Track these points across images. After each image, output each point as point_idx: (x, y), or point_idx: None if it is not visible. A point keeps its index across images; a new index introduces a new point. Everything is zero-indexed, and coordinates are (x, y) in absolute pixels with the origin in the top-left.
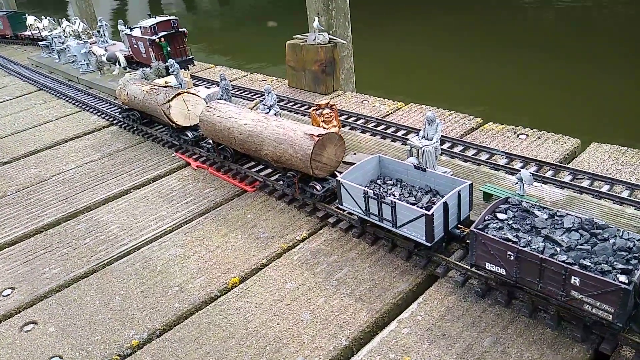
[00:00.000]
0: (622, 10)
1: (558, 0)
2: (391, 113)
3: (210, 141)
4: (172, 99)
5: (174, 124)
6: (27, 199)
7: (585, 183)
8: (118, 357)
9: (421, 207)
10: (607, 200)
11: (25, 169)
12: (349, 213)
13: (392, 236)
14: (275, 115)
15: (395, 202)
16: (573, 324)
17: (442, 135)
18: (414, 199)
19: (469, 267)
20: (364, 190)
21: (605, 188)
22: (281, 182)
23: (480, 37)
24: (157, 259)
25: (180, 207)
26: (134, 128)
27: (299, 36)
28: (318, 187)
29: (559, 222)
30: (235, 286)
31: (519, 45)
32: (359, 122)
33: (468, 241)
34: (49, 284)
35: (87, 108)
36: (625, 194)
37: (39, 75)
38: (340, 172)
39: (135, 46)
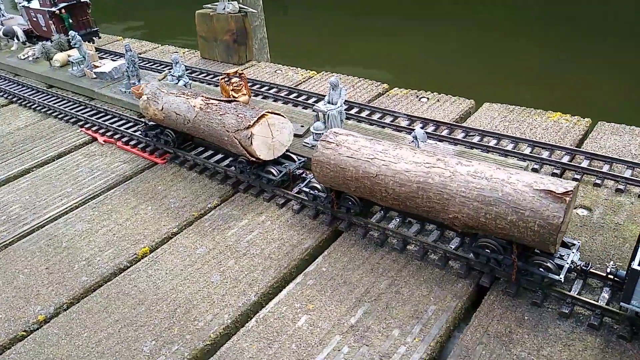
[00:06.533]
0: None
1: None
2: (304, 82)
3: (318, 186)
4: (253, 124)
5: (253, 158)
6: None
7: (476, 139)
8: (24, 333)
9: None
10: (494, 153)
11: None
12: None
13: None
14: (185, 86)
15: None
16: (458, 263)
17: (350, 101)
18: None
19: None
20: None
21: (492, 143)
22: (465, 252)
23: (390, 7)
24: (63, 235)
25: (87, 183)
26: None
27: (209, 5)
28: (551, 266)
29: None
30: (146, 256)
31: (424, 14)
32: (271, 91)
33: None
34: None
35: None
36: (509, 147)
37: None
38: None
39: (35, 19)
